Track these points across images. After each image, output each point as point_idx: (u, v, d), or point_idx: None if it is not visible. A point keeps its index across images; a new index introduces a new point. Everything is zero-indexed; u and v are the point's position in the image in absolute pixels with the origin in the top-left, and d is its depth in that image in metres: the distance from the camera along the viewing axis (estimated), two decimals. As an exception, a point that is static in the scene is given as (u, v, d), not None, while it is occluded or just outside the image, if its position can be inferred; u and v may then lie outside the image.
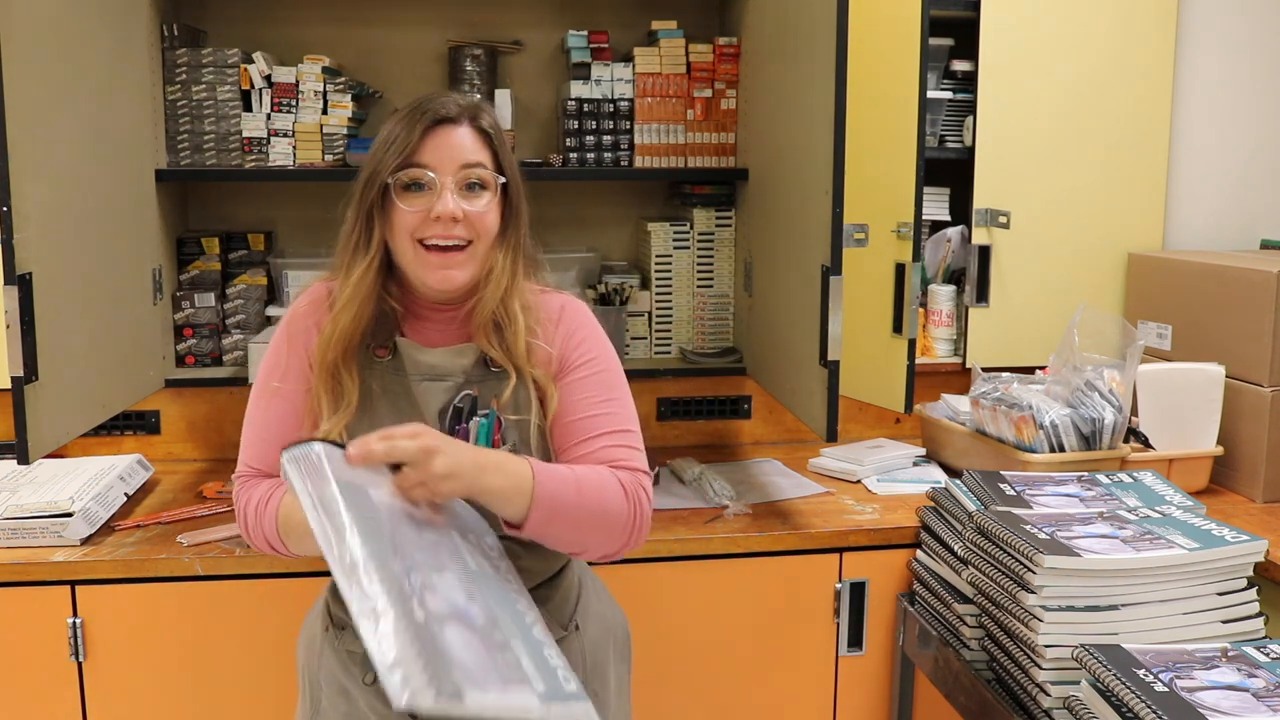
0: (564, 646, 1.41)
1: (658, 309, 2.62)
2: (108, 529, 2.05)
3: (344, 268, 1.43)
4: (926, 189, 2.28)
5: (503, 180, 1.42)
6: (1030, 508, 1.77)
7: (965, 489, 1.90)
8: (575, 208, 2.70)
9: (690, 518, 2.13)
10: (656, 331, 2.63)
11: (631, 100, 2.51)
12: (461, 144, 1.39)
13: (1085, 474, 1.93)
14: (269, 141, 2.42)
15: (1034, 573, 1.54)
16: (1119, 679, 1.33)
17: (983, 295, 2.63)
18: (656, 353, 2.64)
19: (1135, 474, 1.92)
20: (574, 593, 1.51)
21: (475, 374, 1.43)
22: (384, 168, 1.38)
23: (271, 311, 2.50)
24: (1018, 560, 1.58)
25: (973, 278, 2.63)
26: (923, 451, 2.47)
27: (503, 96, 2.48)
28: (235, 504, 1.44)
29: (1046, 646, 1.52)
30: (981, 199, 2.61)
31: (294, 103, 2.42)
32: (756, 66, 2.40)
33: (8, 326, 1.75)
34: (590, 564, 1.62)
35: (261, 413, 1.44)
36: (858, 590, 2.11)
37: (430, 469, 1.19)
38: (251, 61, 2.40)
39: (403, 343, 1.43)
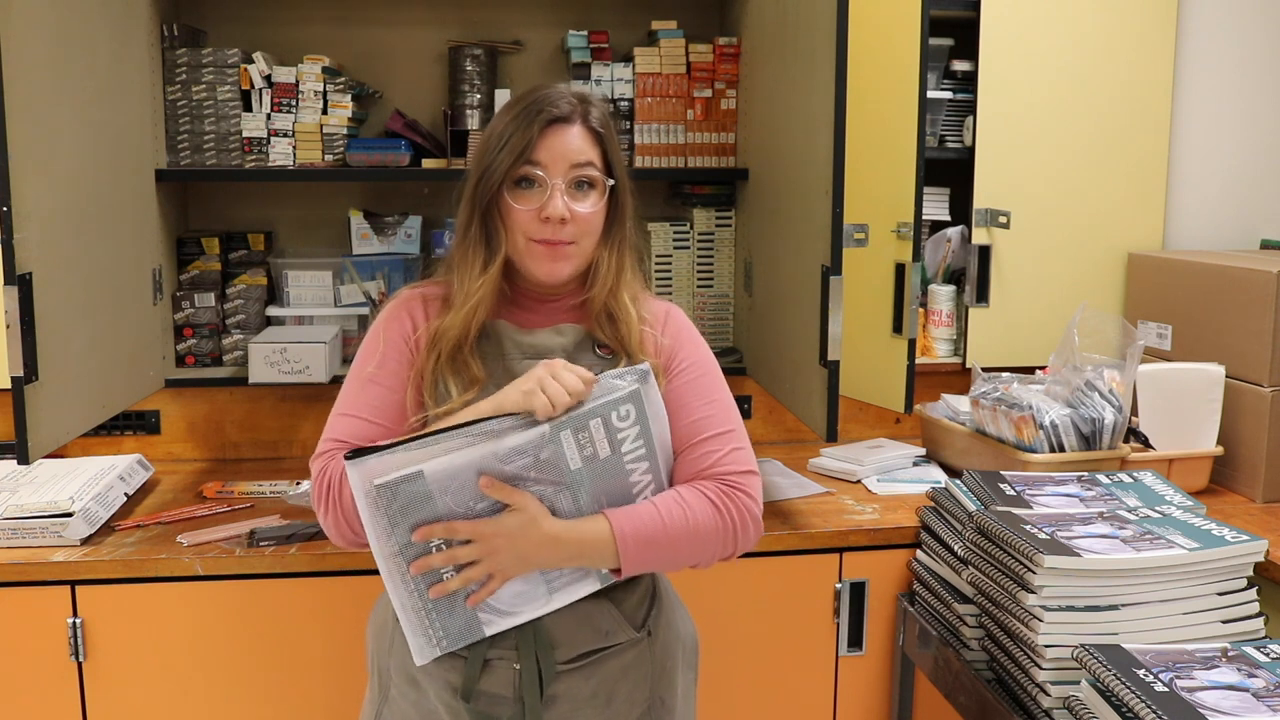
0: (636, 651, 1.46)
1: (658, 309, 2.62)
2: (108, 529, 2.05)
3: (464, 262, 1.47)
4: (926, 189, 2.28)
5: (611, 182, 1.47)
6: (1030, 508, 1.77)
7: (965, 489, 1.90)
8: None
9: (690, 518, 2.12)
10: (656, 331, 2.63)
11: (631, 100, 2.51)
12: (573, 144, 1.43)
13: (1085, 474, 1.93)
14: (269, 141, 2.42)
15: (1034, 573, 1.54)
16: (1119, 679, 1.33)
17: (983, 295, 2.64)
18: (656, 353, 2.64)
19: (1135, 474, 1.92)
20: (648, 599, 1.53)
21: (578, 355, 1.46)
22: (499, 165, 1.42)
23: (271, 311, 2.50)
24: (1018, 560, 1.58)
25: (973, 278, 2.63)
26: (923, 451, 2.47)
27: (503, 97, 2.48)
28: (317, 479, 1.40)
29: (1046, 646, 1.52)
30: (981, 199, 2.61)
31: (294, 103, 2.42)
32: (756, 66, 2.40)
33: (8, 326, 1.75)
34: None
35: (354, 396, 1.46)
36: (858, 590, 2.11)
37: (496, 564, 1.33)
38: (251, 61, 2.40)
39: (500, 324, 1.47)
